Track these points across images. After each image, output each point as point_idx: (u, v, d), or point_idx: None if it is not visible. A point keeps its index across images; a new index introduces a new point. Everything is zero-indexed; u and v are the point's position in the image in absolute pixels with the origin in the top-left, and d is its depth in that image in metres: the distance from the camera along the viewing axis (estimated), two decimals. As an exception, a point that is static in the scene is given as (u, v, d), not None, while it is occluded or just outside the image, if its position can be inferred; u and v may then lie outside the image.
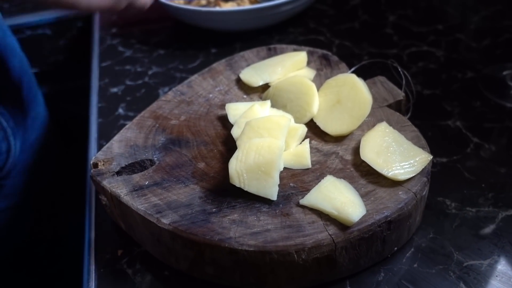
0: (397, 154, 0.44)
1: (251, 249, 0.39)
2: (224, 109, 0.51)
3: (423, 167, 0.43)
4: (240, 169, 0.42)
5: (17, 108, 0.67)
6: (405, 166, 0.43)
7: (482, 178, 0.51)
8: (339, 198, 0.40)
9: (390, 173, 0.42)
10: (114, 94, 0.67)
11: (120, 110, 0.64)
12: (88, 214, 0.52)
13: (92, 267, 0.46)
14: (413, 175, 0.42)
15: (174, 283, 0.44)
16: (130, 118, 0.61)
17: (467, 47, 0.70)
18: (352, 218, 0.39)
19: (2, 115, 0.64)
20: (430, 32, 0.73)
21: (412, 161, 0.43)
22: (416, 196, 0.41)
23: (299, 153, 0.45)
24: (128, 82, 0.69)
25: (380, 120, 0.48)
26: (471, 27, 0.75)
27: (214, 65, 0.58)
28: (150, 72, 0.71)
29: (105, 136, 0.60)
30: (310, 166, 0.45)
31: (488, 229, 0.46)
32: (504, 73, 0.63)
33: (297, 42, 0.74)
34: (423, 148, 0.45)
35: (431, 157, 0.44)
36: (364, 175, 0.44)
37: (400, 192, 0.42)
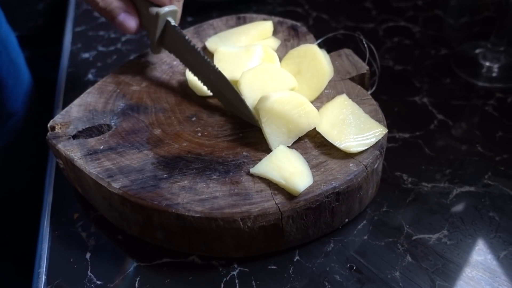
0: (352, 127, 0.44)
1: (197, 215, 0.39)
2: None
3: (377, 140, 0.43)
4: None
5: None
6: (359, 139, 0.43)
7: (442, 154, 0.51)
8: (288, 168, 0.40)
9: (342, 145, 0.42)
10: (85, 60, 0.66)
11: (90, 76, 0.63)
12: (48, 178, 0.52)
13: (47, 229, 0.46)
14: (366, 148, 0.42)
15: (127, 247, 0.44)
16: (99, 84, 0.60)
17: (445, 24, 0.69)
18: (298, 188, 0.39)
19: None
20: (409, 8, 0.72)
21: (366, 134, 0.43)
22: (366, 168, 0.41)
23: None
24: (100, 48, 0.68)
25: (341, 93, 0.48)
26: (452, 3, 0.74)
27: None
28: (123, 39, 0.70)
29: (71, 101, 0.59)
30: None
31: (441, 205, 0.46)
32: (477, 51, 0.62)
33: (274, 13, 0.73)
34: (379, 121, 0.45)
35: (386, 131, 0.44)
36: (318, 147, 0.44)
37: (351, 164, 0.42)
